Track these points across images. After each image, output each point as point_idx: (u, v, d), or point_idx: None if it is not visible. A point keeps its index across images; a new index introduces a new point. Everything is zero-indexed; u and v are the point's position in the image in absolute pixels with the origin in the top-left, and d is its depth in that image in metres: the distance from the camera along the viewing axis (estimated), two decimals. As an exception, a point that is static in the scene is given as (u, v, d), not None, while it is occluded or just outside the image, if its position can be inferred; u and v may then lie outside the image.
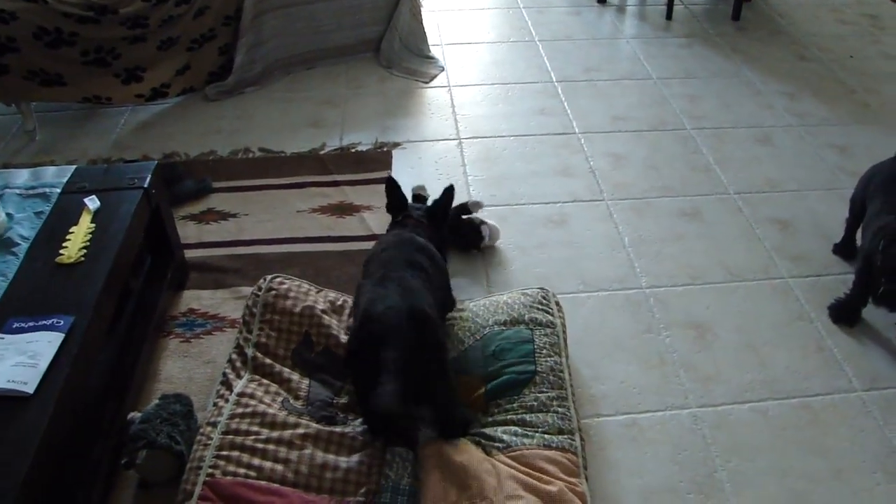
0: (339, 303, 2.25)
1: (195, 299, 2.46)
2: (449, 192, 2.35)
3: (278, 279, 2.22)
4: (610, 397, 2.18)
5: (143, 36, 3.22)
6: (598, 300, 2.50)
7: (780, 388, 2.22)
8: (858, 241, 2.52)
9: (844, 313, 2.44)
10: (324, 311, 2.19)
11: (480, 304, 2.26)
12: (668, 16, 4.41)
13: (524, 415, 1.95)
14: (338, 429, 1.89)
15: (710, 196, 2.97)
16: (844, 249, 2.68)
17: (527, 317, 2.19)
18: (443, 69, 3.81)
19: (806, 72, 3.88)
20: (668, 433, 2.09)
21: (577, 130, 3.35)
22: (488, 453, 1.88)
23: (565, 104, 3.54)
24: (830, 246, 2.71)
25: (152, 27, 3.22)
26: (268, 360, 2.04)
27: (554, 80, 3.74)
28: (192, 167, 3.04)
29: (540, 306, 2.24)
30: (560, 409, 1.97)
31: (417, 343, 1.81)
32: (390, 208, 2.39)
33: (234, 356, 2.05)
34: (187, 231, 2.72)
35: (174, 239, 2.46)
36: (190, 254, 2.61)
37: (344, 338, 2.14)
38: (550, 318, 2.22)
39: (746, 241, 2.75)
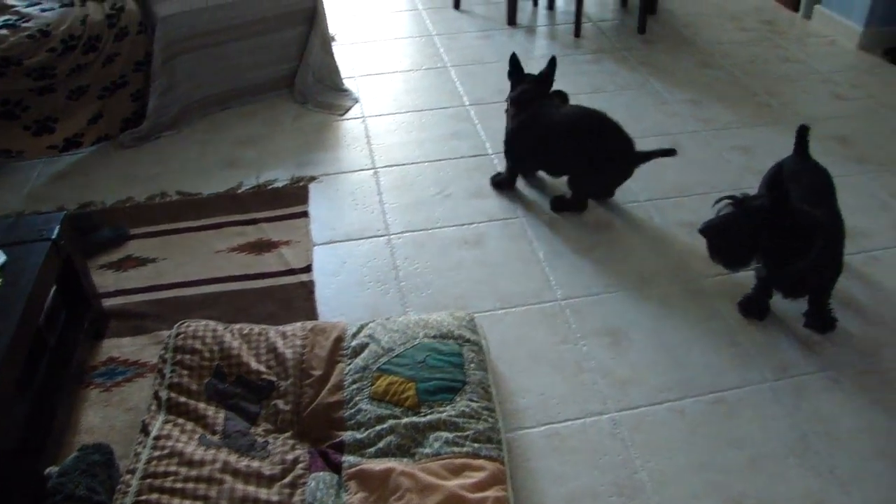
0: (246, 332, 2.26)
1: (115, 347, 2.44)
2: (552, 61, 3.13)
3: (185, 324, 2.23)
4: (530, 409, 2.22)
5: (51, 86, 3.19)
6: (516, 315, 2.54)
7: (696, 386, 2.29)
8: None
9: (753, 307, 2.53)
10: (231, 344, 2.20)
11: (411, 319, 2.31)
12: (577, 33, 4.52)
13: (457, 419, 1.99)
14: (255, 463, 1.90)
15: (622, 205, 3.05)
16: (752, 247, 2.77)
17: (456, 332, 2.25)
18: (357, 101, 3.85)
19: (710, 79, 4.02)
20: (589, 439, 2.13)
21: (489, 152, 3.41)
22: (416, 461, 1.91)
23: (478, 126, 3.60)
24: (739, 244, 2.79)
25: (60, 77, 3.19)
26: (182, 399, 2.04)
27: (466, 103, 3.81)
28: (109, 215, 3.02)
29: (467, 326, 2.30)
30: (490, 420, 2.02)
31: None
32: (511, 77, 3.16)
33: (151, 403, 2.05)
34: (105, 279, 2.70)
35: (89, 289, 2.44)
36: (109, 302, 2.59)
37: (255, 365, 2.16)
38: (477, 337, 2.29)
39: (659, 247, 2.83)
